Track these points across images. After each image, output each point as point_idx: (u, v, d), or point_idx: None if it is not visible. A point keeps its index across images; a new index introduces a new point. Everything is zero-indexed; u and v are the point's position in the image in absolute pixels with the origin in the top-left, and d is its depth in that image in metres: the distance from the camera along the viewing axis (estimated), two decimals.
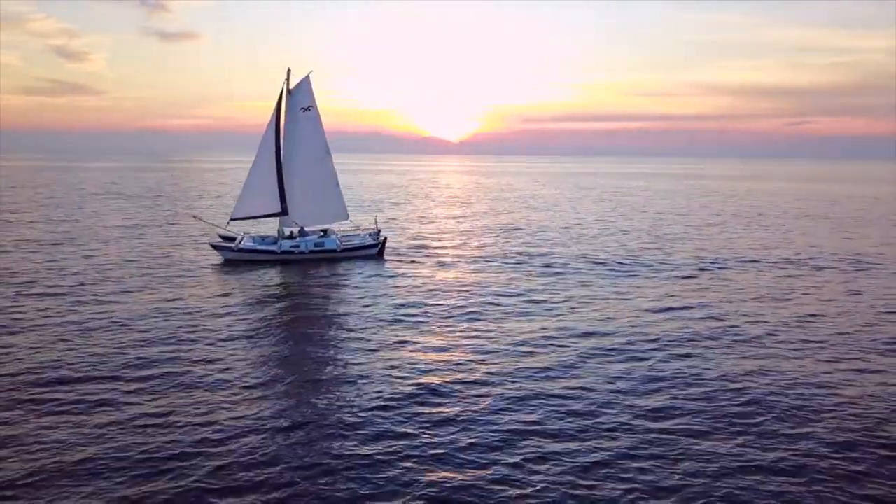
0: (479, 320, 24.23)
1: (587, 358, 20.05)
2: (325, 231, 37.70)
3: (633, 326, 23.43)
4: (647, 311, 25.68)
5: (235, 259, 35.00)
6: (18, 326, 22.43)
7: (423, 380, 18.24)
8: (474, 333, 22.50)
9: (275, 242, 35.76)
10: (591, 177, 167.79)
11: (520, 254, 38.16)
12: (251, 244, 35.53)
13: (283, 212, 36.13)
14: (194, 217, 42.72)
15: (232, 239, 36.63)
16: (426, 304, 26.42)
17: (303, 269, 33.65)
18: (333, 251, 35.66)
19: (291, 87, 36.18)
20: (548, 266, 34.84)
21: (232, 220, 36.62)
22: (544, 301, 27.05)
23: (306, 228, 37.11)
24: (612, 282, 31.30)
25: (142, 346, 20.72)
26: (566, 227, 51.92)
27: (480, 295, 28.11)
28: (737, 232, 50.29)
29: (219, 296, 27.73)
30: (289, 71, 36.13)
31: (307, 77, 36.32)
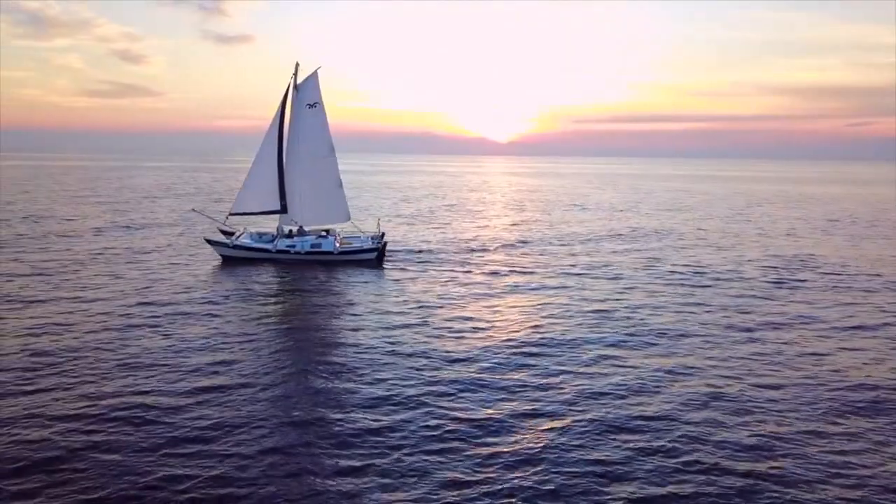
0: (469, 344, 21.94)
1: (614, 385, 18.00)
2: (326, 231, 36.54)
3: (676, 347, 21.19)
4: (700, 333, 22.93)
5: (230, 255, 34.01)
6: None
7: (386, 394, 16.72)
8: (455, 356, 20.58)
9: (272, 240, 34.68)
10: (644, 179, 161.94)
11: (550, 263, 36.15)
12: (248, 241, 34.49)
13: (282, 210, 35.07)
14: (194, 211, 42.08)
15: (231, 234, 35.74)
16: (417, 316, 24.53)
17: (297, 271, 32.39)
18: (330, 253, 34.29)
19: (299, 82, 35.23)
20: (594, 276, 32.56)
21: (231, 215, 35.75)
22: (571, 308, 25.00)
23: (306, 228, 35.99)
24: (674, 292, 29.21)
25: (114, 340, 20.32)
26: (618, 234, 49.33)
27: (489, 310, 25.51)
28: (812, 240, 46.75)
29: (202, 294, 26.70)
30: (297, 65, 35.21)
31: (315, 73, 35.31)
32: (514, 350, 20.56)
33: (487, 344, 21.12)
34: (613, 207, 73.33)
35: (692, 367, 19.26)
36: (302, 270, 32.52)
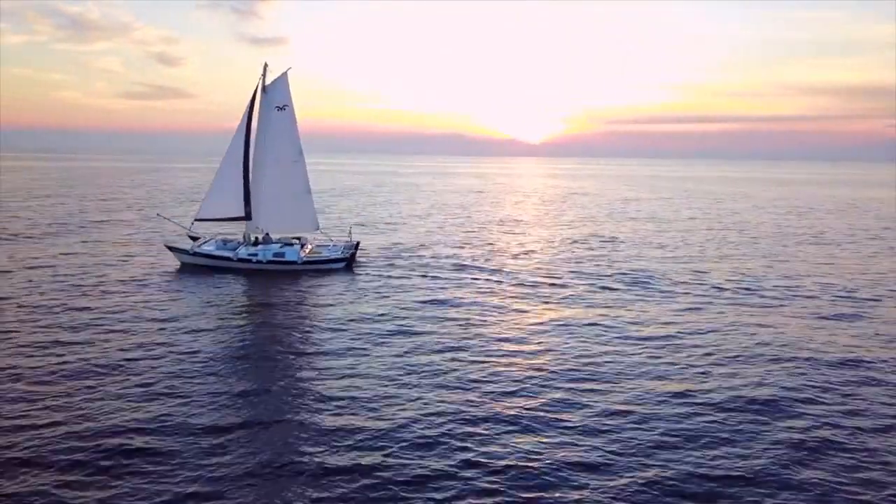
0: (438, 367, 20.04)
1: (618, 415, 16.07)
2: (298, 239, 35.06)
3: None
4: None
5: (190, 263, 32.65)
6: None
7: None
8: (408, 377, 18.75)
9: (237, 248, 33.26)
10: (682, 181, 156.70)
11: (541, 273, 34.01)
12: (210, 248, 33.08)
13: (247, 216, 33.62)
14: (159, 216, 40.92)
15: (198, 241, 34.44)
16: (380, 327, 23.05)
17: (258, 281, 30.87)
18: (293, 263, 32.69)
19: (267, 83, 33.79)
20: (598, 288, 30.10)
21: (196, 220, 34.42)
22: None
23: (277, 236, 34.53)
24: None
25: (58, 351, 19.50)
26: (647, 241, 46.66)
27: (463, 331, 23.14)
28: (867, 253, 42.89)
29: (152, 306, 25.25)
30: (265, 66, 33.77)
31: (285, 74, 33.83)
32: (472, 367, 18.66)
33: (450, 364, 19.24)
34: (654, 212, 69.41)
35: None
36: (263, 280, 30.99)
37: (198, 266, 32.42)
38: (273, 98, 33.56)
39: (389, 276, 32.21)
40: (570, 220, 61.35)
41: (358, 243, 36.50)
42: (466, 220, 58.44)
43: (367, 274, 32.88)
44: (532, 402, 16.92)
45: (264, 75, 33.65)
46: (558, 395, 17.52)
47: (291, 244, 33.81)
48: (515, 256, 38.87)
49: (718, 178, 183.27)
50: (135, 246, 38.62)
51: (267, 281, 30.97)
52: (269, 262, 32.49)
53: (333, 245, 35.33)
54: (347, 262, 33.39)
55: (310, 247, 34.49)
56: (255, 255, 32.50)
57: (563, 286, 31.04)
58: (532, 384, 18.22)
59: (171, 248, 33.20)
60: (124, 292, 27.16)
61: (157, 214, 41.97)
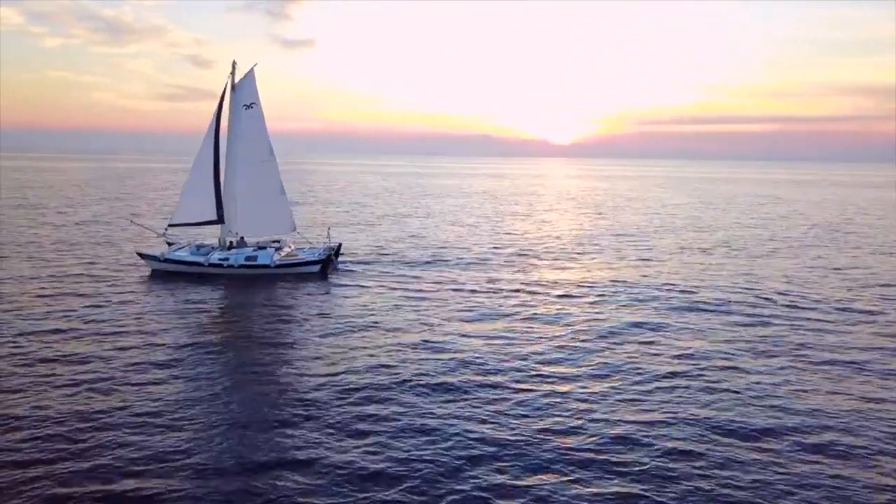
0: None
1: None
2: (277, 242, 33.98)
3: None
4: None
5: (161, 269, 31.71)
6: None
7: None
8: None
9: (209, 253, 32.22)
10: (722, 184, 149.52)
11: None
12: (182, 254, 32.08)
13: (219, 219, 32.53)
14: (132, 221, 40.07)
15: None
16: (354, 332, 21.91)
17: (231, 286, 29.82)
18: (266, 267, 31.53)
19: (236, 81, 32.59)
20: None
21: (170, 225, 33.48)
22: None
23: (254, 240, 33.44)
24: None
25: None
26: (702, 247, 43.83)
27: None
28: None
29: (116, 314, 24.26)
30: (234, 64, 32.57)
31: (251, 71, 32.56)
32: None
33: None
34: (694, 218, 64.56)
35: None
36: (235, 286, 29.93)
37: (170, 273, 31.47)
38: (241, 97, 32.36)
39: (371, 280, 30.90)
40: (603, 222, 57.80)
41: (339, 245, 35.25)
42: (486, 222, 56.43)
43: (346, 277, 31.68)
44: (529, 425, 15.59)
45: (233, 73, 32.45)
46: (554, 419, 16.02)
47: (265, 248, 32.65)
48: (540, 266, 36.38)
49: (757, 180, 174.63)
50: (111, 251, 37.85)
51: (238, 286, 29.91)
52: (241, 266, 31.39)
53: (311, 248, 34.08)
54: (323, 266, 32.08)
55: (287, 250, 33.26)
56: (227, 259, 31.42)
57: (584, 293, 29.44)
58: (527, 401, 16.93)
59: (141, 255, 32.30)
60: (89, 300, 26.15)
61: (131, 221, 41.17)
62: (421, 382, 18.04)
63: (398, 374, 18.68)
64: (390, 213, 63.14)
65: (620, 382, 18.30)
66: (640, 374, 18.98)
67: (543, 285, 30.82)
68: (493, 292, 29.13)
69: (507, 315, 25.35)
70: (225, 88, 32.37)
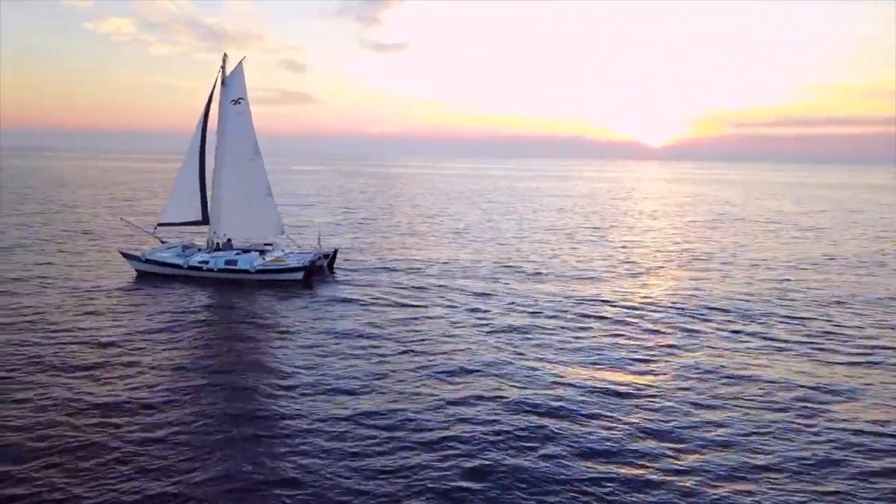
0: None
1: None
2: (269, 245, 32.37)
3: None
4: None
5: (143, 270, 30.50)
6: None
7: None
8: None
9: (192, 255, 30.79)
10: (831, 189, 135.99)
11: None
12: (164, 255, 30.75)
13: (204, 220, 31.10)
14: (122, 220, 39.23)
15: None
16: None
17: (210, 291, 28.14)
18: (246, 272, 29.66)
19: (226, 76, 31.03)
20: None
21: (158, 225, 32.32)
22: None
23: (240, 242, 31.85)
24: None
25: None
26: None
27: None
28: None
29: (88, 318, 23.13)
30: (225, 57, 31.03)
31: (240, 64, 30.92)
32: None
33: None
34: (820, 230, 55.48)
35: None
36: (214, 290, 28.23)
37: (152, 274, 30.22)
38: (230, 91, 30.77)
39: (363, 291, 28.37)
40: (702, 234, 50.96)
41: (335, 252, 33.11)
42: (590, 233, 52.16)
43: (337, 287, 29.31)
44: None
45: (223, 67, 30.93)
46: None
47: (249, 251, 30.90)
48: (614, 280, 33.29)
49: (875, 185, 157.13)
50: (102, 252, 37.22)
51: (217, 291, 28.19)
52: (221, 270, 29.68)
53: (300, 253, 32.01)
54: (307, 274, 29.89)
55: (277, 254, 31.32)
56: (206, 263, 29.81)
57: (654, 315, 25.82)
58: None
59: (125, 255, 31.22)
60: (65, 303, 25.11)
61: (121, 219, 40.55)
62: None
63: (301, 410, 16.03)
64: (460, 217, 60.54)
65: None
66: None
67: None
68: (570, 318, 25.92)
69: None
70: (215, 83, 30.88)
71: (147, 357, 19.27)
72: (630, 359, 20.02)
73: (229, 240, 31.51)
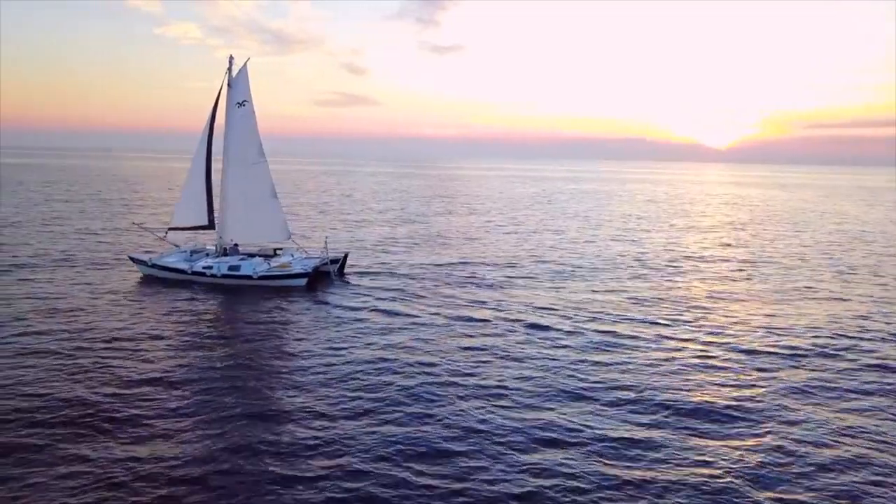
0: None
1: None
2: (280, 250, 31.88)
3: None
4: None
5: (150, 275, 30.33)
6: None
7: None
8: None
9: (199, 259, 30.45)
10: None
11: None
12: (170, 260, 30.48)
13: (210, 224, 30.71)
14: (135, 224, 39.18)
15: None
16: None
17: (215, 297, 27.64)
18: (248, 278, 29.06)
19: (232, 77, 30.52)
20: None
21: (168, 229, 32.14)
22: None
23: (249, 247, 31.38)
24: None
25: None
26: None
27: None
28: None
29: (90, 323, 22.99)
30: (231, 59, 30.49)
31: (244, 66, 30.34)
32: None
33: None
34: None
35: None
36: (218, 296, 27.72)
37: (158, 278, 30.01)
38: (235, 94, 30.23)
39: (369, 298, 27.40)
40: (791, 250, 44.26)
41: (345, 256, 32.25)
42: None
43: (344, 293, 28.38)
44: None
45: (230, 69, 30.42)
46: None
47: (253, 256, 30.38)
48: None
49: None
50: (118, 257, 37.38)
51: (222, 297, 27.67)
52: (224, 276, 29.18)
53: (307, 258, 31.27)
54: (310, 280, 29.10)
55: (284, 259, 30.65)
56: (210, 268, 29.37)
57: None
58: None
59: (133, 259, 31.14)
60: (70, 307, 25.00)
61: (133, 223, 40.60)
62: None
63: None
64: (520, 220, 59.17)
65: None
66: None
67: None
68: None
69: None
70: (222, 85, 30.44)
71: (129, 362, 19.02)
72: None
73: (236, 244, 31.04)
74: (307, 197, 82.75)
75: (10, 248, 36.22)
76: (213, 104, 30.53)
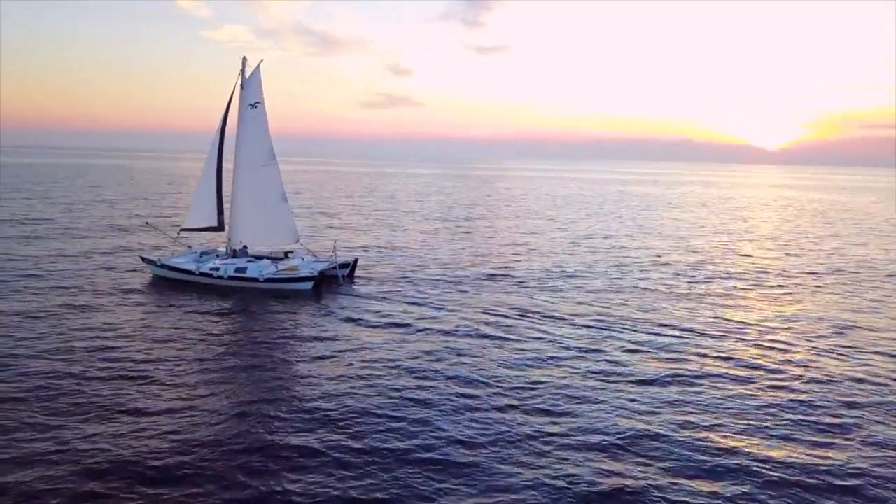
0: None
1: None
2: (290, 252, 31.68)
3: None
4: None
5: (160, 276, 30.36)
6: None
7: None
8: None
9: (207, 261, 30.39)
10: None
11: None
12: (179, 261, 30.44)
13: (220, 226, 30.63)
14: (147, 224, 39.27)
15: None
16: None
17: (222, 299, 27.42)
18: (255, 280, 28.80)
19: (245, 79, 30.39)
20: None
21: (181, 230, 32.20)
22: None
23: (259, 249, 31.23)
24: None
25: None
26: None
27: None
28: None
29: (91, 323, 22.92)
30: (244, 60, 30.34)
31: (258, 67, 30.15)
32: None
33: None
34: None
35: None
36: (226, 298, 27.50)
37: (167, 279, 30.02)
38: (248, 95, 30.09)
39: (377, 306, 26.65)
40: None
41: (355, 261, 31.78)
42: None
43: (353, 300, 27.77)
44: None
45: (243, 70, 30.29)
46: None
47: (261, 259, 30.20)
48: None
49: None
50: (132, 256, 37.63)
51: (229, 299, 27.45)
52: (231, 277, 29.00)
53: (314, 262, 30.90)
54: (316, 284, 28.68)
55: (292, 263, 30.35)
56: (217, 270, 29.24)
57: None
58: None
59: (144, 260, 31.27)
60: (77, 306, 25.11)
61: (146, 223, 40.77)
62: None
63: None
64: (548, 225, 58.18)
65: None
66: None
67: None
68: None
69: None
70: (235, 86, 30.33)
71: (127, 362, 18.98)
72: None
73: (244, 246, 30.89)
74: (348, 201, 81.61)
75: (49, 245, 36.89)
76: (226, 105, 30.43)
